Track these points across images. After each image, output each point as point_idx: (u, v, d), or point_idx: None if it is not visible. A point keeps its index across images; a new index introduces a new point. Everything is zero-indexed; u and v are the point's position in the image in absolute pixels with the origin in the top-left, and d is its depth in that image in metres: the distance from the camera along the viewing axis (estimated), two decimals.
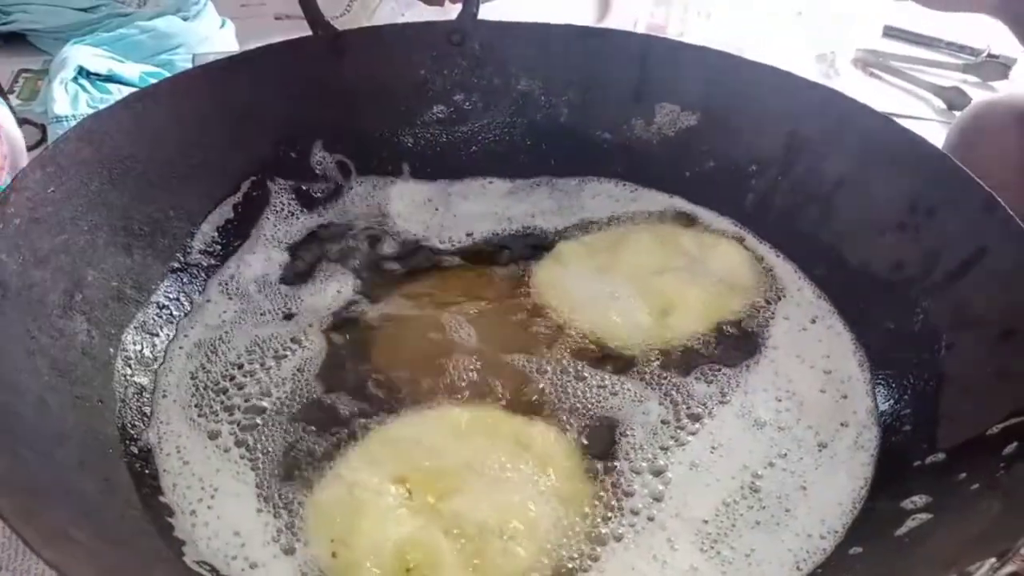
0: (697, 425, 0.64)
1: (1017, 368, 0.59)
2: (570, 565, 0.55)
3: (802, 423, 0.65)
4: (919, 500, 0.56)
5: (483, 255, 0.80)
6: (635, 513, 0.58)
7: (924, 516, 0.55)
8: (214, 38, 1.19)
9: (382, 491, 0.57)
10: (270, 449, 0.61)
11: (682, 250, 0.79)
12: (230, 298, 0.72)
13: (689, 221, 0.83)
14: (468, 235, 0.81)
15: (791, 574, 0.55)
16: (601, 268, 0.77)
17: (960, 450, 0.58)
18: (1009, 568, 0.42)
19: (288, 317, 0.71)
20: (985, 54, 1.29)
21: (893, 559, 0.53)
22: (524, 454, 0.60)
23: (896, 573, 0.51)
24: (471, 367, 0.68)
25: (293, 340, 0.69)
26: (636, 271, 0.76)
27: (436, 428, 0.63)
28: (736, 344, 0.71)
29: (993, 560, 0.43)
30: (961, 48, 1.32)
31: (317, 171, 0.82)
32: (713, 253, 0.79)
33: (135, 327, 0.67)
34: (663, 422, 0.64)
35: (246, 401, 0.64)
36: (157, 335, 0.68)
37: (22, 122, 1.01)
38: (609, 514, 0.58)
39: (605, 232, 0.82)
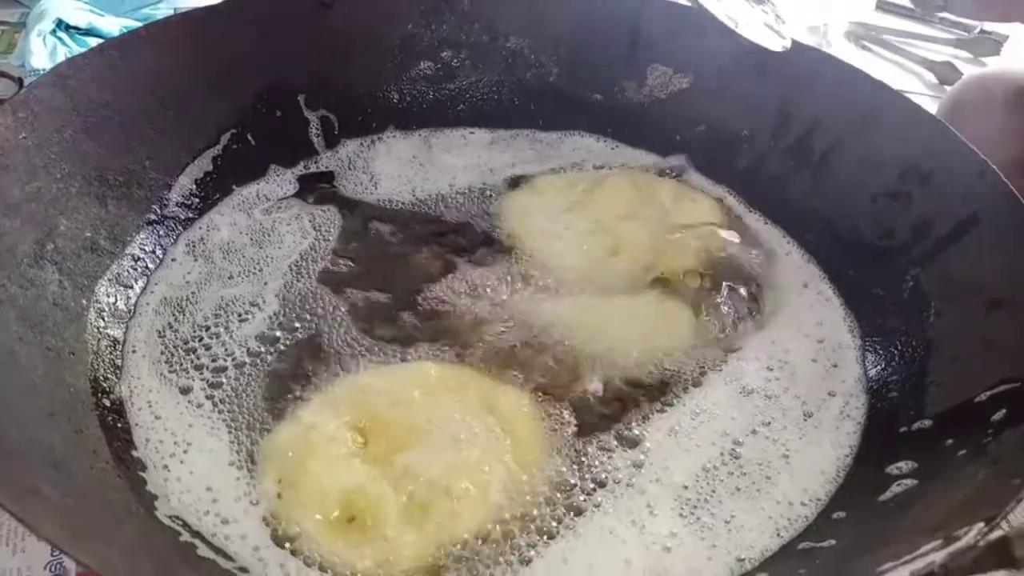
0: (681, 390, 0.63)
1: (1005, 337, 0.59)
2: (535, 528, 0.54)
3: (790, 392, 0.64)
4: (904, 466, 0.56)
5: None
6: (616, 481, 0.57)
7: (909, 482, 0.54)
8: None
9: (337, 437, 0.56)
10: (243, 406, 0.59)
11: (656, 200, 0.79)
12: (195, 260, 0.70)
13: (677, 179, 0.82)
14: (450, 186, 0.80)
15: (771, 541, 0.54)
16: (573, 204, 0.78)
17: (947, 416, 0.58)
18: (998, 533, 0.41)
19: (255, 278, 0.69)
20: (977, 30, 1.28)
21: (878, 524, 0.53)
22: (488, 417, 0.58)
23: (881, 538, 0.50)
24: (431, 305, 0.68)
25: (252, 304, 0.67)
26: (604, 211, 0.77)
27: (404, 381, 0.61)
28: (728, 309, 0.70)
29: (981, 525, 0.43)
30: (954, 23, 1.31)
31: (298, 126, 0.80)
32: (685, 207, 0.78)
33: (109, 279, 0.65)
34: (638, 387, 0.63)
35: (213, 361, 0.62)
36: (131, 287, 0.66)
37: None
38: (587, 479, 0.57)
39: (587, 172, 0.82)
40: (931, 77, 1.21)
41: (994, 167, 0.64)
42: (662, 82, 0.83)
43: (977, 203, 0.65)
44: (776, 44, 0.74)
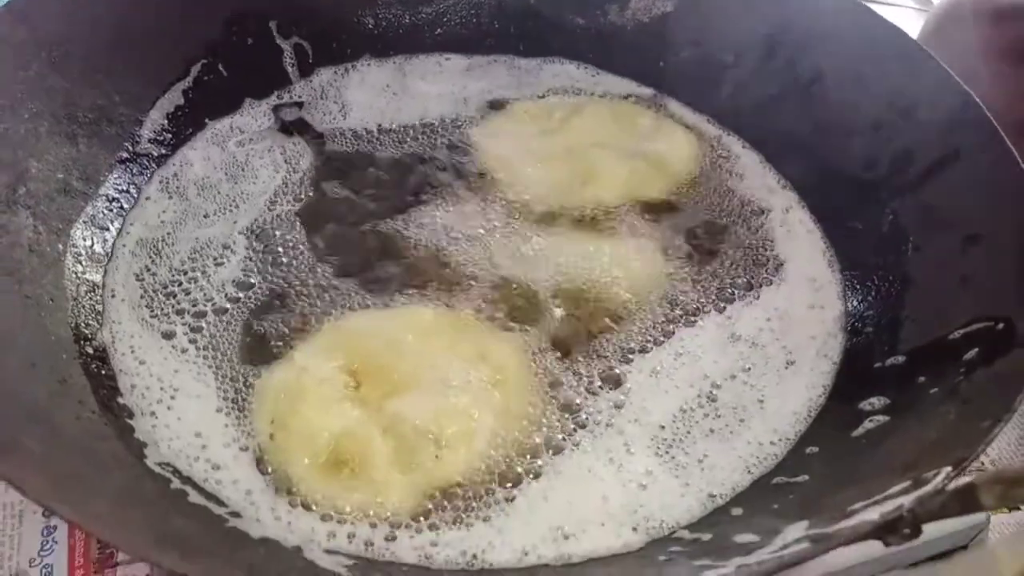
0: (670, 330, 0.64)
1: (981, 273, 0.59)
2: (518, 469, 0.55)
3: (779, 343, 0.64)
4: (877, 402, 0.57)
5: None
6: (597, 422, 0.58)
7: (882, 418, 0.56)
8: None
9: (330, 379, 0.56)
10: (226, 352, 0.59)
11: (634, 129, 0.78)
12: (170, 198, 0.69)
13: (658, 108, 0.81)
14: (421, 117, 0.78)
15: (742, 478, 0.56)
16: (548, 130, 0.77)
17: (920, 353, 0.59)
18: (966, 479, 0.42)
19: (230, 215, 0.68)
20: None
21: (850, 460, 0.54)
22: (480, 363, 0.58)
23: (853, 474, 0.52)
24: (403, 240, 0.68)
25: (226, 246, 0.66)
26: (579, 139, 0.76)
27: (398, 324, 0.61)
28: (708, 246, 0.70)
29: (949, 469, 0.44)
30: None
31: (271, 55, 0.78)
32: (663, 136, 0.77)
33: (84, 221, 0.64)
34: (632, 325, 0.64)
35: (193, 305, 0.62)
36: (107, 229, 0.66)
37: None
38: (568, 420, 0.58)
39: (566, 99, 0.81)
40: None
41: (977, 100, 0.64)
42: (645, 5, 0.81)
43: (959, 136, 0.64)
44: None
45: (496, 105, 0.80)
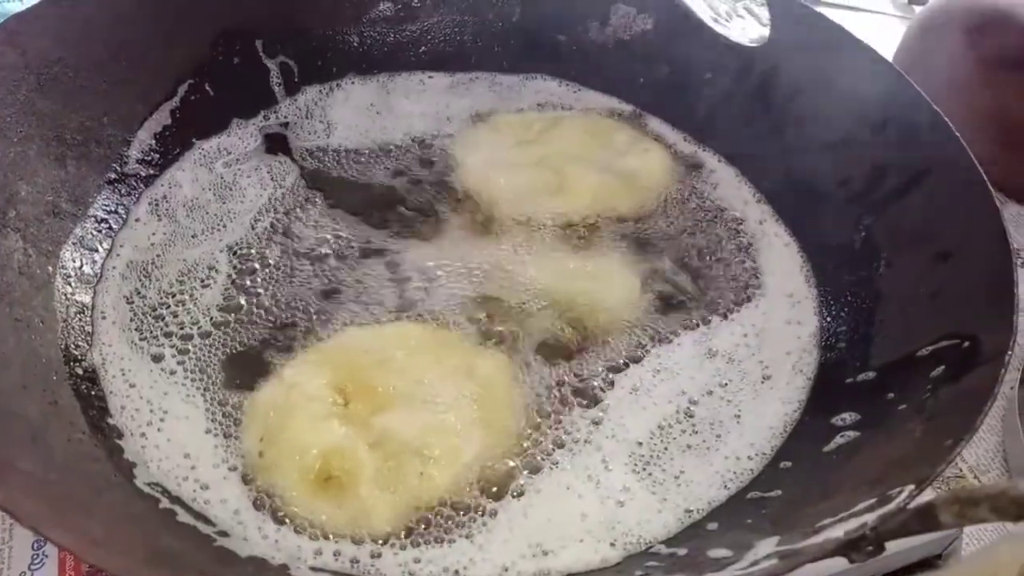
0: (648, 347, 0.65)
1: (950, 290, 0.61)
2: (500, 486, 0.56)
3: (755, 357, 0.65)
4: (848, 417, 0.59)
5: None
6: (575, 440, 0.59)
7: (852, 434, 0.57)
8: None
9: (318, 396, 0.57)
10: (213, 374, 0.60)
11: (610, 144, 0.79)
12: (160, 219, 0.70)
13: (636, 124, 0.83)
14: (405, 134, 0.80)
15: (719, 493, 0.57)
16: (526, 142, 0.79)
17: (890, 369, 0.60)
18: (927, 497, 0.44)
19: (217, 236, 0.70)
20: None
21: (822, 474, 0.56)
22: (466, 381, 0.60)
23: (823, 489, 0.53)
24: (384, 256, 0.69)
25: (212, 268, 0.67)
26: (554, 151, 0.78)
27: (386, 341, 0.62)
28: (694, 264, 0.72)
29: (912, 487, 0.46)
30: None
31: (258, 74, 0.79)
32: (637, 152, 0.79)
33: (73, 243, 0.65)
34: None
35: (181, 328, 0.63)
36: (96, 250, 0.67)
37: None
38: (549, 437, 0.59)
39: (547, 113, 0.83)
40: None
41: (946, 119, 0.65)
42: (625, 23, 0.83)
43: (929, 154, 0.66)
44: (754, 33, 0.73)
45: (479, 119, 0.82)
